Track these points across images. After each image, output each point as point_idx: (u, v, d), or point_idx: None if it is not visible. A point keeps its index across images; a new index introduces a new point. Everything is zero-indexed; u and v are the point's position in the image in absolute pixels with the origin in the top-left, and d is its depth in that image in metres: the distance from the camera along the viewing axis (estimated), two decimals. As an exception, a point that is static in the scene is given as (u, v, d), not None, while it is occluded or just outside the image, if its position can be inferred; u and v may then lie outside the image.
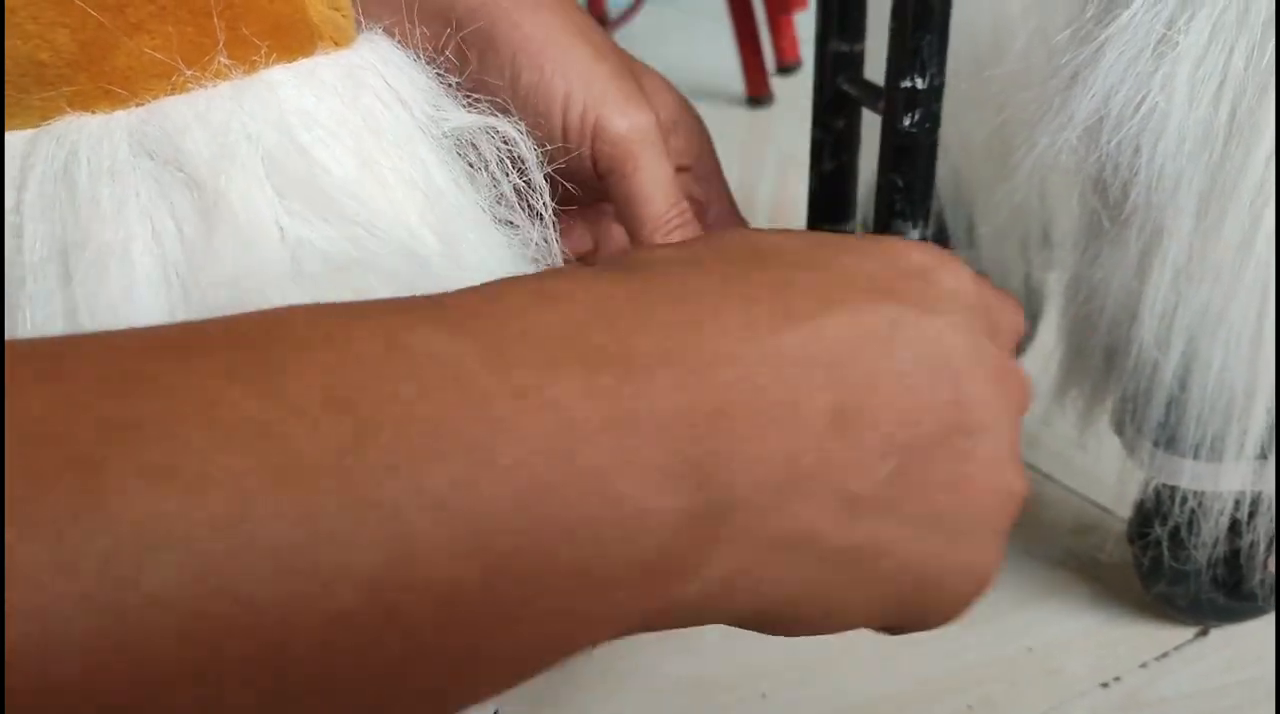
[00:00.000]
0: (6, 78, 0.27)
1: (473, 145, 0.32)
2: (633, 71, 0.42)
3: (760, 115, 1.12)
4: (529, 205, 0.33)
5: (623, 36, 1.26)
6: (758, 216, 0.94)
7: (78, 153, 0.27)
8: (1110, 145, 0.37)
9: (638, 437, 0.21)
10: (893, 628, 0.28)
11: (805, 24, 1.18)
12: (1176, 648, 0.48)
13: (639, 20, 1.32)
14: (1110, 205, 0.40)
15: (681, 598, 0.23)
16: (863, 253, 0.27)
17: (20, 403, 0.16)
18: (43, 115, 0.28)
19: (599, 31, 0.43)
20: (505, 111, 0.33)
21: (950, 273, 0.28)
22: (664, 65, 0.46)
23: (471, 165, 0.32)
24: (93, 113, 0.28)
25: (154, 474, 0.17)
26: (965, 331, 0.26)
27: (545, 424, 0.20)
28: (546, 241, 0.33)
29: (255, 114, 0.28)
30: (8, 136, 0.28)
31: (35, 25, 0.27)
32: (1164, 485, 0.46)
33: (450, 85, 0.33)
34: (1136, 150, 0.37)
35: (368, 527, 0.18)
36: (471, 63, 0.38)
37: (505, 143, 0.32)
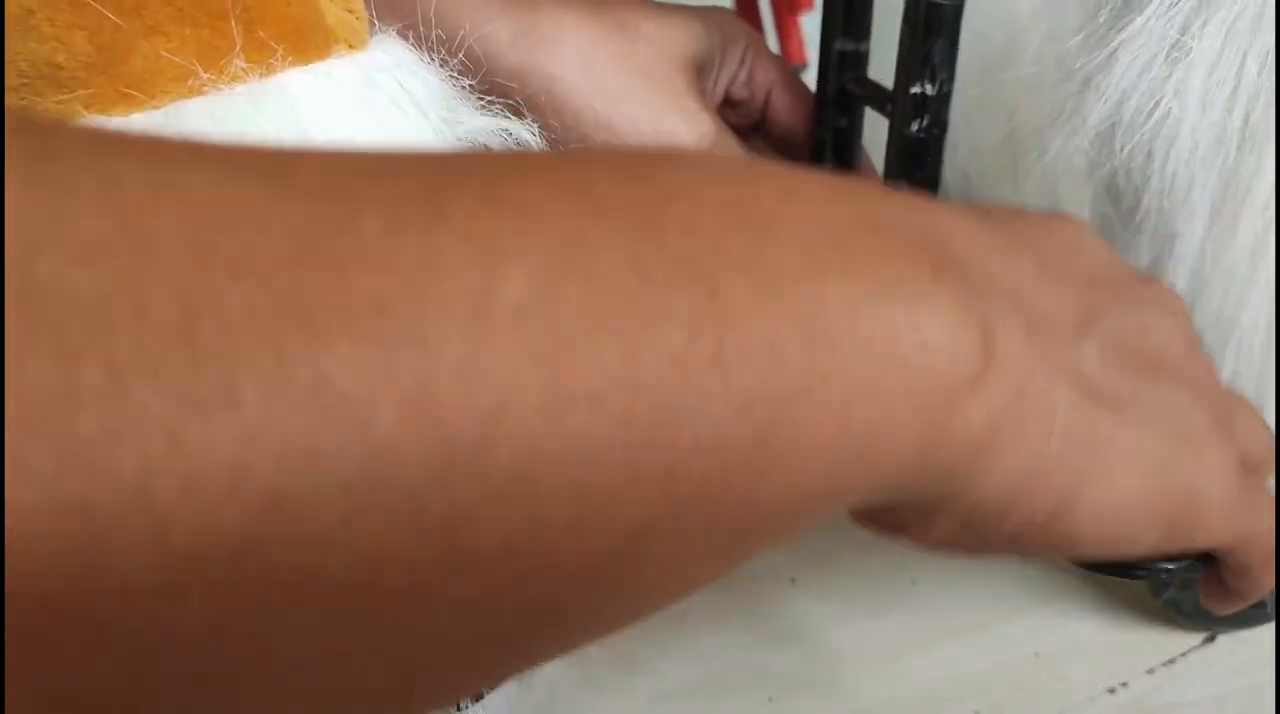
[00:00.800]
0: (22, 80, 0.27)
1: (486, 149, 0.32)
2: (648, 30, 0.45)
3: (766, 116, 1.12)
4: None
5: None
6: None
7: None
8: (1123, 151, 0.37)
9: (883, 237, 0.22)
10: (1171, 544, 0.28)
11: (812, 24, 1.18)
12: (1184, 654, 0.48)
13: (644, 20, 1.31)
14: (1123, 211, 0.40)
15: (953, 433, 0.22)
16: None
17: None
18: (58, 119, 0.28)
19: (629, 33, 0.44)
20: (519, 114, 0.33)
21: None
22: (674, 68, 0.46)
23: None
24: (109, 116, 0.28)
25: (491, 201, 0.17)
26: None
27: (810, 217, 0.21)
28: None
29: (272, 117, 0.28)
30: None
31: (52, 28, 0.27)
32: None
33: (464, 88, 0.33)
34: (1149, 156, 0.37)
35: (680, 272, 0.19)
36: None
37: (519, 145, 0.32)
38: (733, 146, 0.46)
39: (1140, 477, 0.26)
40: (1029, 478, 0.24)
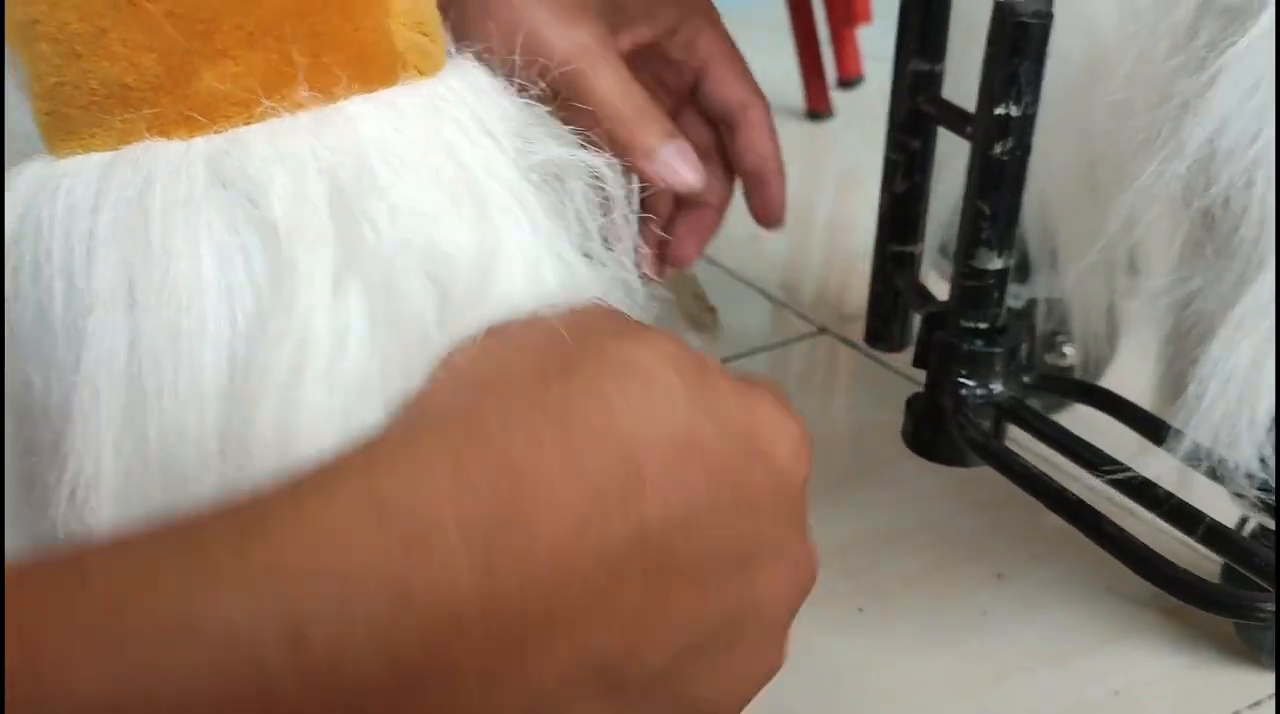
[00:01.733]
0: (92, 99, 0.27)
1: (559, 179, 0.32)
2: None
3: (820, 129, 1.10)
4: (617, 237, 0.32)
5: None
6: (815, 233, 0.93)
7: (153, 180, 0.27)
8: (1223, 178, 0.36)
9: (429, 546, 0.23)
10: None
11: (868, 38, 1.16)
12: (1269, 696, 0.46)
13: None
14: (1218, 239, 0.38)
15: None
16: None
17: None
18: (122, 138, 0.28)
19: None
20: (596, 145, 0.32)
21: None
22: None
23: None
24: (170, 138, 0.27)
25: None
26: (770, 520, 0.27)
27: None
28: (628, 283, 0.33)
29: (333, 147, 0.28)
30: (83, 158, 0.28)
31: (124, 48, 0.26)
32: (1261, 525, 0.44)
33: (542, 114, 0.32)
34: (1249, 183, 0.36)
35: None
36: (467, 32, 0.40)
37: (595, 178, 0.31)
38: (612, 62, 0.46)
39: None
40: None
